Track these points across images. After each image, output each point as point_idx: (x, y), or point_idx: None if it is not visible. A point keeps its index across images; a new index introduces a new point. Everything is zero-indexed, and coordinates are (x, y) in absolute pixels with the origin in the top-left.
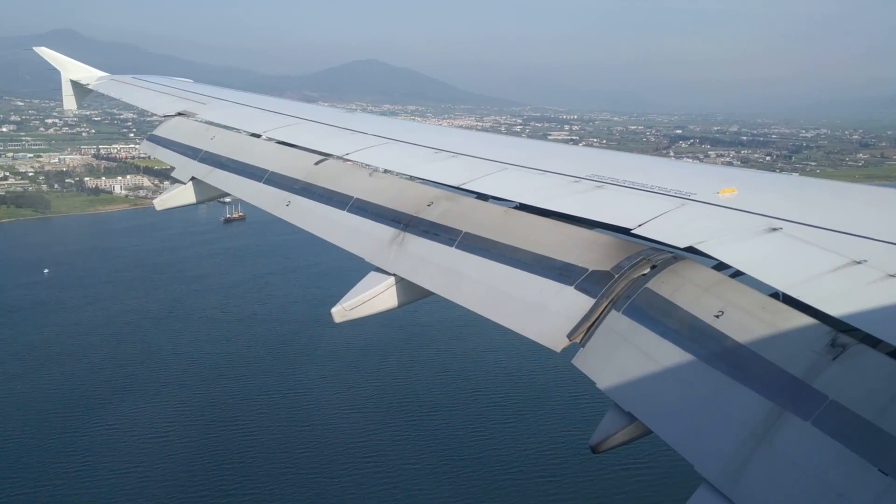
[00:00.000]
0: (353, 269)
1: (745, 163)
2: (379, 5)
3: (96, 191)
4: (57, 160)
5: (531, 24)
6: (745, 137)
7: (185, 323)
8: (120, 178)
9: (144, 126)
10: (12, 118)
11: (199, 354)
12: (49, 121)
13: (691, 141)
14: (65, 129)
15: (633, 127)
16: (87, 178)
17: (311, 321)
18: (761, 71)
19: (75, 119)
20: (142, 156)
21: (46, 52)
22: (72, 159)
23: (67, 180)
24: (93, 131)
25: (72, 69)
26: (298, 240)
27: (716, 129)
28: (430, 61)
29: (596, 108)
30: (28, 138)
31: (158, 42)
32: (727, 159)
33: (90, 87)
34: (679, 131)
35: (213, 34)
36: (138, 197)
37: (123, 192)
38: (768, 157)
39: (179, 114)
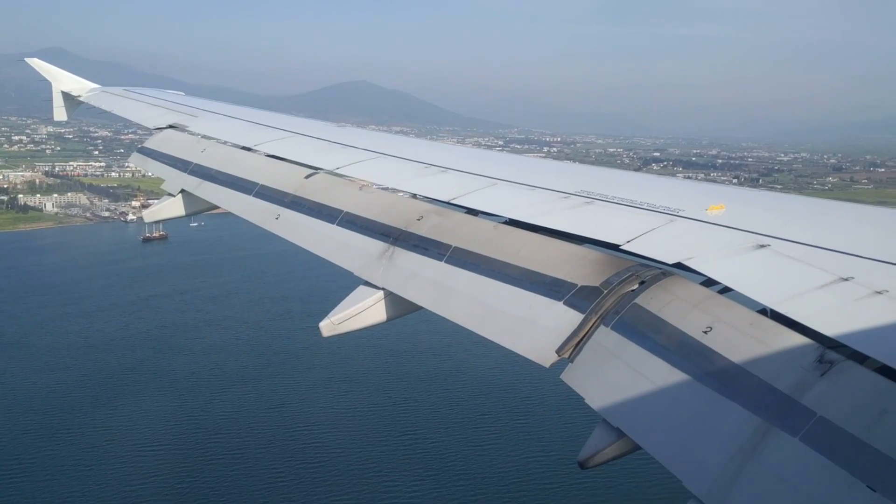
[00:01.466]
0: (246, 292)
1: None
2: (374, 28)
3: (25, 208)
4: (1, 177)
5: (525, 48)
6: (720, 161)
7: (31, 349)
8: (56, 195)
9: (114, 144)
10: None
11: (20, 384)
12: (16, 138)
13: (664, 163)
14: (30, 147)
15: (611, 150)
16: (20, 196)
17: (168, 348)
18: (753, 96)
19: (44, 137)
20: (98, 171)
21: (38, 64)
22: (16, 176)
23: (1, 197)
24: (58, 148)
25: (63, 81)
26: (209, 261)
27: (694, 152)
28: (421, 84)
29: (584, 131)
30: None
31: (148, 61)
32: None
33: (81, 98)
34: (657, 154)
35: (203, 55)
36: (68, 215)
37: (55, 209)
38: (735, 181)
39: (170, 126)
